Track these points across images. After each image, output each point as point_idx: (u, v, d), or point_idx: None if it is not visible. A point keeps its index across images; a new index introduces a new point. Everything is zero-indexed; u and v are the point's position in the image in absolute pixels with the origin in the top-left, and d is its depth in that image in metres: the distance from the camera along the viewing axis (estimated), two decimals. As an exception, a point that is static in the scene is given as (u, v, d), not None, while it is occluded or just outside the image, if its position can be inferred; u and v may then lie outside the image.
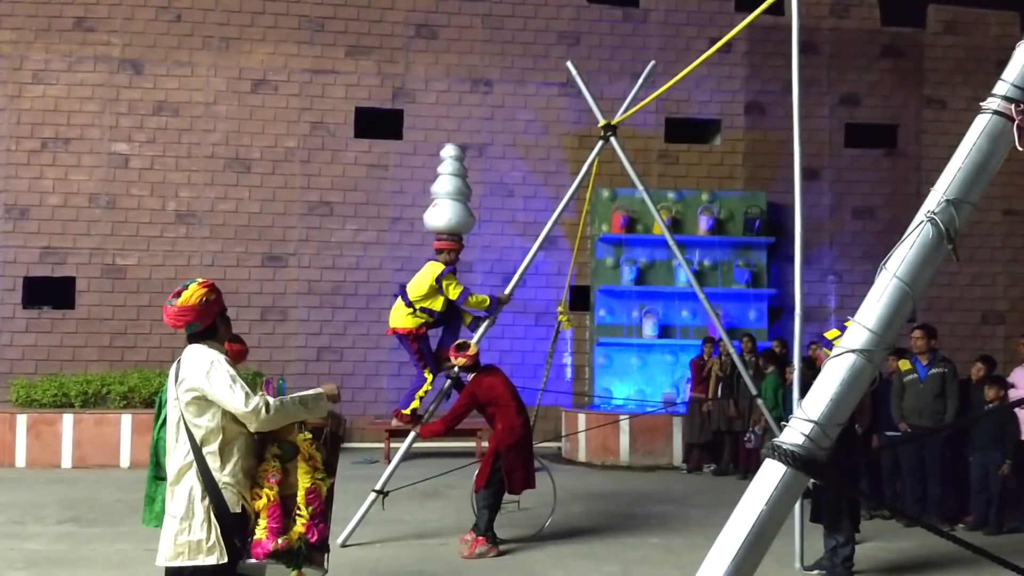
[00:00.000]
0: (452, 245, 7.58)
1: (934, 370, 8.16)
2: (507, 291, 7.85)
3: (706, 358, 11.55)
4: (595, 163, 8.43)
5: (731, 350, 8.82)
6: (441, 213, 7.67)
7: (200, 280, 3.77)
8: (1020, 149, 1.48)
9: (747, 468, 10.88)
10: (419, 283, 7.41)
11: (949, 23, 14.74)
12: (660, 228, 9.03)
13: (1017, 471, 7.88)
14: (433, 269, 7.40)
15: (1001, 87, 1.49)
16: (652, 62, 9.00)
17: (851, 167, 14.39)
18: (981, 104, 1.55)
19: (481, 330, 7.73)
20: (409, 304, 7.36)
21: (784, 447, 1.41)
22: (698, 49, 13.86)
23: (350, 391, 12.43)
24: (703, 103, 14.15)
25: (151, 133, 13.16)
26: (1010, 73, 1.49)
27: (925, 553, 7.00)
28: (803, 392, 6.81)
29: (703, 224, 13.00)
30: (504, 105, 13.53)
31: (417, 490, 8.42)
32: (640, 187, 8.47)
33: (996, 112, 1.48)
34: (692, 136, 14.37)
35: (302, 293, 13.33)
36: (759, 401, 8.65)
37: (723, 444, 11.38)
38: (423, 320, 7.39)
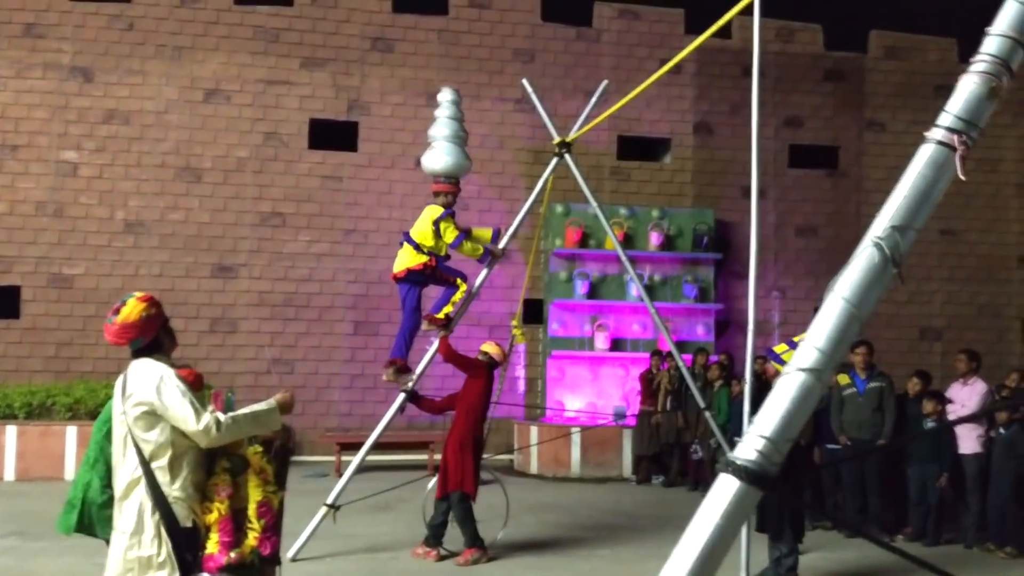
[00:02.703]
0: (449, 188, 7.65)
1: (872, 384, 8.41)
2: (500, 245, 8.02)
3: (654, 371, 11.73)
4: (550, 179, 8.54)
5: (680, 363, 8.98)
6: (438, 156, 7.74)
7: (138, 295, 3.69)
8: (963, 179, 1.58)
9: (696, 479, 11.07)
10: (422, 227, 7.49)
11: (890, 48, 15.23)
12: (612, 244, 9.17)
13: (954, 484, 8.15)
14: (432, 212, 7.48)
15: (945, 118, 1.59)
16: (605, 81, 9.16)
17: (795, 187, 14.74)
18: (925, 134, 1.65)
19: (479, 280, 7.92)
20: (418, 248, 7.44)
21: (738, 462, 1.49)
22: (649, 69, 14.06)
23: (301, 404, 12.30)
24: (654, 122, 14.39)
25: (101, 141, 12.96)
26: (953, 105, 1.59)
27: (866, 564, 7.19)
28: (753, 405, 6.99)
29: (653, 240, 13.22)
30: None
31: (369, 504, 8.38)
32: (593, 203, 8.61)
33: (940, 142, 1.58)
34: (643, 154, 14.60)
35: (252, 304, 13.20)
36: (707, 414, 8.81)
37: (672, 456, 11.55)
38: (428, 258, 7.50)
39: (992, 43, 1.58)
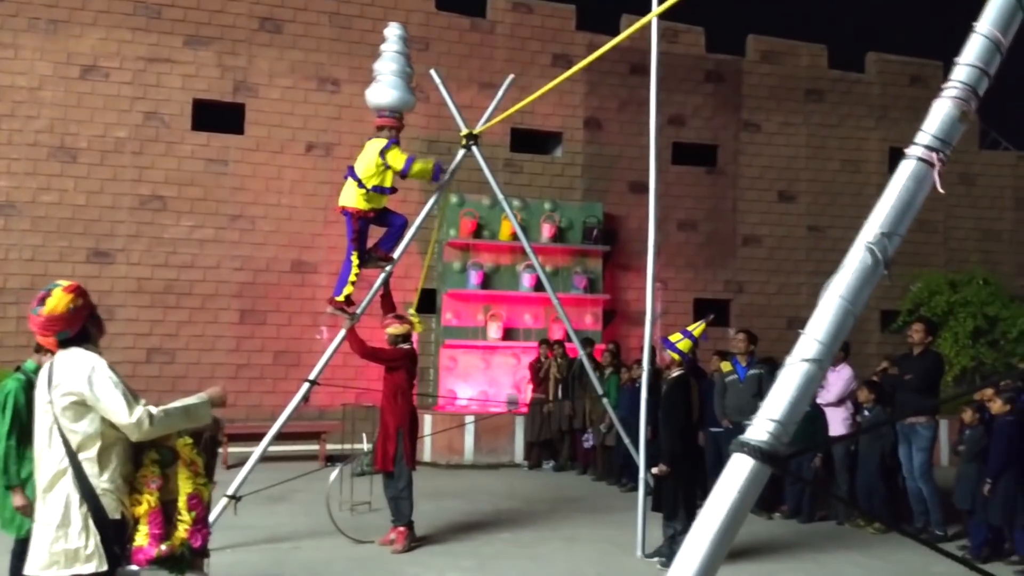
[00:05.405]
0: (393, 122, 7.64)
1: (752, 371, 8.98)
2: (451, 167, 8.29)
3: (542, 360, 12.02)
4: (456, 170, 8.62)
5: (581, 352, 9.25)
6: (383, 90, 7.73)
7: (64, 284, 3.60)
8: (941, 192, 1.81)
9: (584, 464, 11.46)
10: (366, 161, 7.41)
11: (765, 52, 16.02)
12: (517, 233, 9.38)
13: (826, 464, 8.77)
14: (377, 144, 7.43)
15: (923, 137, 1.81)
16: (511, 76, 9.24)
17: (677, 183, 15.29)
18: (906, 151, 1.87)
19: (411, 232, 7.93)
20: (361, 185, 7.35)
21: (752, 443, 1.65)
22: (542, 63, 14.37)
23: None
24: (546, 116, 14.62)
25: (-33, 117, 12.10)
26: (930, 125, 1.81)
27: (748, 540, 7.64)
28: (649, 391, 7.33)
29: (546, 232, 13.49)
30: (352, 105, 13.40)
31: (262, 495, 8.26)
32: (500, 195, 8.76)
33: (920, 159, 1.79)
34: (535, 147, 14.84)
35: (131, 291, 12.65)
36: (604, 400, 9.12)
37: (562, 442, 11.88)
38: (375, 205, 7.46)
39: (962, 71, 1.81)
